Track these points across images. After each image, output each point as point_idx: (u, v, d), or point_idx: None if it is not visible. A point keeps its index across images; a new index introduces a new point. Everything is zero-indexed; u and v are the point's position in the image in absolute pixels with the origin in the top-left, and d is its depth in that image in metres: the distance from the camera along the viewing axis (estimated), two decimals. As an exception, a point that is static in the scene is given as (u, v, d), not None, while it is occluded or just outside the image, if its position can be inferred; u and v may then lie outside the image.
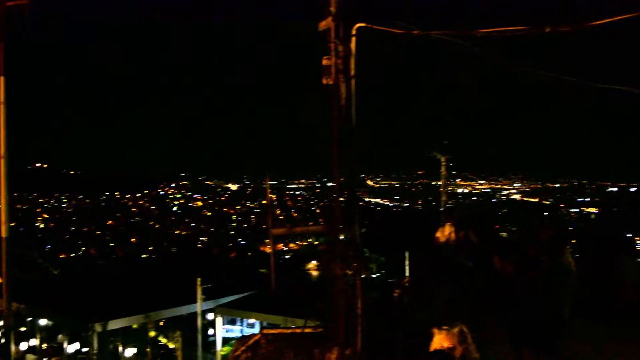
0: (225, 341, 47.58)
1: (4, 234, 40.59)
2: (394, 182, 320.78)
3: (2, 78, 39.60)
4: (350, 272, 12.28)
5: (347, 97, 11.22)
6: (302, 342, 17.85)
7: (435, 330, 12.84)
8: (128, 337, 45.97)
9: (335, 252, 12.28)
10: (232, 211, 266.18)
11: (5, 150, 39.64)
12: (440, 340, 12.68)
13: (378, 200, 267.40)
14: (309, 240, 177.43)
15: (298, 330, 19.59)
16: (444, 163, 29.54)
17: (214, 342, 47.91)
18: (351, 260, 12.08)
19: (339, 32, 11.08)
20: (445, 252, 16.56)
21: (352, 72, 11.25)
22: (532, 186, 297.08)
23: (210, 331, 49.28)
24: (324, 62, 11.15)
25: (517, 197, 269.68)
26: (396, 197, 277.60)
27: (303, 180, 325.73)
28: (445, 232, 16.79)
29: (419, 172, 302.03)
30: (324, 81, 11.21)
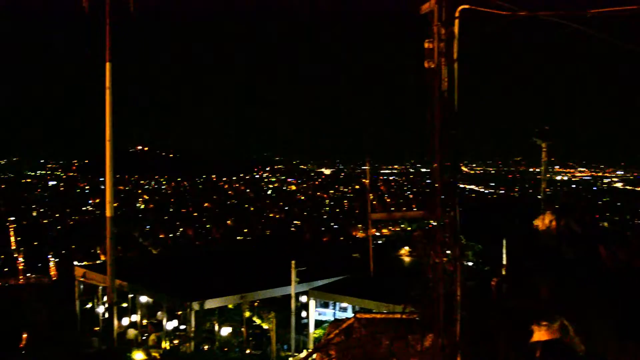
0: (318, 324, 47.98)
1: (108, 214, 42.23)
2: (490, 169, 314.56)
3: (108, 64, 40.98)
4: (445, 259, 12.09)
5: (449, 80, 10.98)
6: (396, 327, 17.77)
7: (535, 327, 12.50)
8: (224, 316, 46.99)
9: (433, 238, 12.08)
10: (325, 195, 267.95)
11: (111, 134, 41.10)
12: (540, 337, 12.34)
13: (473, 186, 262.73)
14: (401, 225, 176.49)
15: (392, 316, 19.52)
16: (544, 149, 28.54)
17: (306, 325, 48.39)
18: (450, 246, 11.87)
19: (441, 14, 10.84)
20: (546, 241, 16.07)
21: (455, 56, 10.99)
22: (635, 174, 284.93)
23: (303, 314, 49.80)
24: (426, 45, 10.93)
25: (619, 185, 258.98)
26: (492, 184, 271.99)
27: (396, 166, 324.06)
28: (545, 221, 16.28)
29: (516, 159, 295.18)
30: (426, 64, 11.00)
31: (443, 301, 11.92)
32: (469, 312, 12.36)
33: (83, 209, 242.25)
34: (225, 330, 45.57)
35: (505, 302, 15.00)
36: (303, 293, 48.63)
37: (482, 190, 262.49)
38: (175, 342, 45.45)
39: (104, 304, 50.09)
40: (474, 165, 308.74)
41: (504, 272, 18.57)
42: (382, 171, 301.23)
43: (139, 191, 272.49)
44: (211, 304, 44.51)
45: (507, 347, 12.66)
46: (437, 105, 11.03)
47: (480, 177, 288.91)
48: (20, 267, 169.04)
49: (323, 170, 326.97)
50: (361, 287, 45.23)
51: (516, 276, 16.50)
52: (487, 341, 12.81)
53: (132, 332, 48.14)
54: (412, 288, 14.72)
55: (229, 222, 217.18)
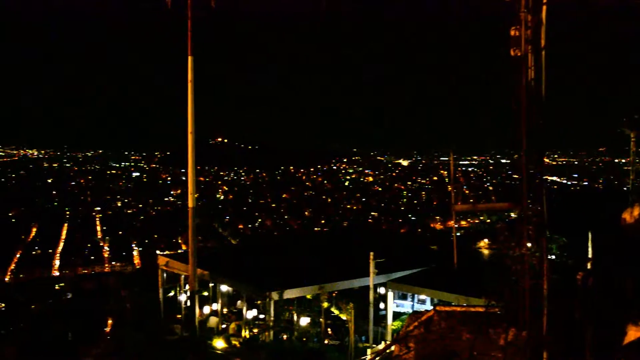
0: (396, 316, 47.80)
1: (190, 205, 43.05)
2: (573, 160, 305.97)
3: (190, 58, 41.69)
4: (527, 252, 11.80)
5: (536, 69, 10.67)
6: (476, 320, 17.49)
7: (631, 327, 12.02)
8: (302, 306, 47.38)
9: (517, 230, 11.81)
10: (402, 187, 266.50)
11: (193, 126, 41.85)
12: (635, 337, 11.85)
13: (555, 178, 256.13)
14: (480, 217, 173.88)
15: (472, 309, 19.23)
16: (633, 139, 27.49)
17: (384, 316, 48.28)
18: (533, 239, 11.58)
19: (528, 1, 10.54)
20: (635, 235, 15.49)
21: (543, 43, 10.68)
22: None
23: (381, 305, 49.67)
24: (512, 32, 10.65)
25: None
26: (575, 175, 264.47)
27: (475, 157, 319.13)
28: (634, 213, 15.67)
29: (600, 149, 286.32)
30: (512, 53, 10.72)
31: (528, 295, 11.65)
32: (552, 306, 12.06)
33: (165, 199, 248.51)
34: (304, 321, 45.92)
35: (592, 298, 14.55)
36: (381, 284, 48.50)
37: (565, 181, 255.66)
38: (255, 331, 46.07)
39: (185, 292, 51.18)
40: (556, 156, 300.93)
41: (589, 267, 18.03)
42: (460, 162, 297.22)
43: (219, 182, 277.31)
44: (290, 294, 44.90)
45: (595, 344, 12.26)
46: (523, 94, 10.74)
47: (563, 168, 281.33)
48: (106, 256, 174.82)
49: (401, 161, 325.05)
50: (440, 280, 44.80)
51: (603, 271, 16.01)
52: (574, 339, 12.44)
53: (213, 320, 49.05)
54: (493, 281, 14.46)
55: (306, 213, 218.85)
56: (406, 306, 50.26)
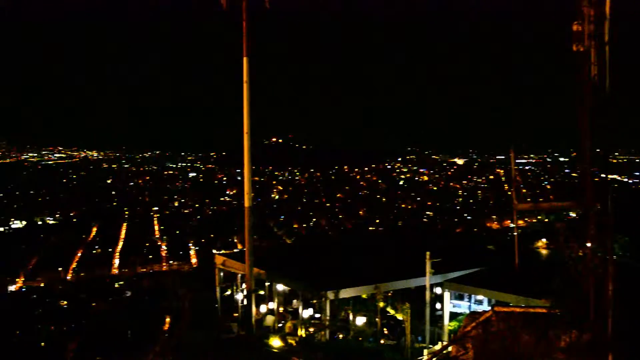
0: (453, 316, 47.32)
1: (247, 204, 43.37)
2: (634, 157, 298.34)
3: (245, 58, 42.03)
4: (590, 252, 11.53)
5: (599, 65, 10.39)
6: (536, 322, 17.20)
7: None
8: (358, 306, 47.28)
9: (580, 230, 11.55)
10: (458, 186, 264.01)
11: (249, 127, 42.18)
12: None
13: (615, 176, 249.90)
14: (538, 217, 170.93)
15: (532, 310, 18.91)
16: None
17: (441, 317, 47.85)
18: (599, 239, 11.30)
19: (592, -5, 10.28)
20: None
21: (606, 38, 10.39)
22: None
23: (438, 305, 49.25)
24: (574, 27, 10.40)
25: None
26: (636, 173, 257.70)
27: (532, 155, 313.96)
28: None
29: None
30: (574, 48, 10.47)
31: (592, 297, 11.38)
32: (619, 307, 11.76)
33: (221, 199, 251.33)
34: (360, 320, 45.84)
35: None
36: (437, 284, 48.08)
37: (626, 180, 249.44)
38: (311, 330, 46.14)
39: (242, 291, 51.62)
40: (616, 153, 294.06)
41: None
42: (517, 161, 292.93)
43: (274, 182, 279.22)
44: (346, 293, 44.87)
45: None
46: (587, 89, 10.48)
47: (624, 166, 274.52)
48: (164, 255, 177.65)
49: (456, 160, 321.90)
50: (498, 280, 44.16)
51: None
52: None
53: (269, 319, 49.35)
54: (554, 282, 14.20)
55: (361, 212, 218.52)
56: (463, 307, 49.72)
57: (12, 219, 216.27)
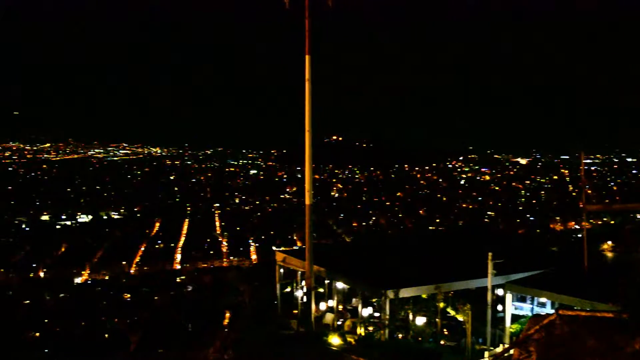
0: (515, 318, 46.59)
1: (307, 202, 43.60)
2: None
3: (308, 57, 42.25)
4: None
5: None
6: (602, 326, 16.81)
7: None
8: (418, 305, 46.96)
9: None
10: (520, 186, 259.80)
11: (310, 125, 42.38)
12: None
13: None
14: (604, 219, 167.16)
15: (598, 314, 18.49)
16: None
17: (502, 319, 47.16)
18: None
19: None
20: None
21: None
22: None
23: (499, 307, 48.55)
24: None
25: None
26: None
27: (599, 155, 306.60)
28: None
29: None
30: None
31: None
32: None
33: (281, 196, 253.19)
34: (420, 320, 45.50)
35: None
36: (499, 286, 47.37)
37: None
38: (370, 328, 46.06)
39: (302, 288, 51.82)
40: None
41: None
42: (583, 161, 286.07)
43: (334, 180, 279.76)
44: (406, 292, 44.60)
45: None
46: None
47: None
48: (224, 250, 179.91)
49: (519, 159, 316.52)
50: (562, 282, 43.28)
51: None
52: None
53: (329, 317, 49.40)
54: (620, 285, 13.89)
55: (421, 211, 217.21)
56: (525, 309, 48.88)
57: (79, 213, 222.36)
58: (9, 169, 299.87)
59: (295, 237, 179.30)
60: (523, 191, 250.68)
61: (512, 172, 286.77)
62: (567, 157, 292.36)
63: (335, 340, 44.27)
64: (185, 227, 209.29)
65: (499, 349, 41.77)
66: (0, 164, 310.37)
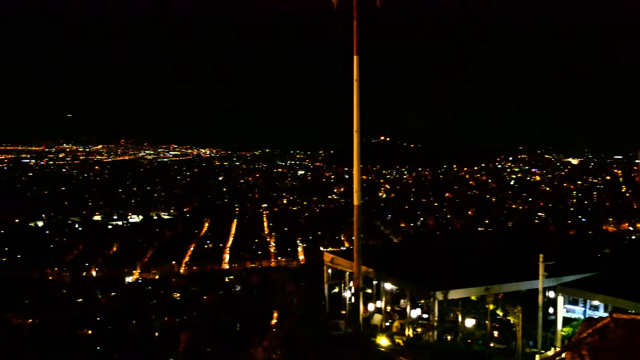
0: (566, 321, 45.78)
1: (356, 202, 43.57)
2: None
3: (356, 57, 42.24)
4: None
5: None
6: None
7: None
8: (467, 307, 46.47)
9: None
10: (572, 187, 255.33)
11: (358, 125, 42.35)
12: None
13: None
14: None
15: (655, 318, 18.06)
16: None
17: (553, 321, 46.39)
18: None
19: None
20: None
21: None
22: None
23: (550, 310, 47.78)
24: None
25: None
26: None
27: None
28: None
29: None
30: None
31: None
32: None
33: (328, 197, 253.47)
34: (469, 322, 45.05)
35: None
36: (550, 288, 46.62)
37: None
38: (419, 330, 45.80)
39: (350, 289, 51.75)
40: None
41: None
42: (637, 161, 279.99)
43: (381, 181, 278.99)
44: (455, 294, 44.19)
45: None
46: None
47: None
48: (272, 251, 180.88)
49: (570, 159, 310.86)
50: (616, 285, 42.39)
51: None
52: None
53: (377, 318, 49.23)
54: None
55: (469, 212, 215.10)
56: (577, 312, 47.98)
57: (130, 214, 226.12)
58: (63, 170, 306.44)
59: (342, 238, 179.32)
60: (574, 192, 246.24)
61: (563, 173, 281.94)
62: (621, 157, 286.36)
63: (383, 341, 44.15)
64: (234, 227, 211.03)
65: (551, 352, 41.12)
66: (55, 165, 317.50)
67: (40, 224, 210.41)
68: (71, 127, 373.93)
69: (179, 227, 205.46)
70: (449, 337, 45.28)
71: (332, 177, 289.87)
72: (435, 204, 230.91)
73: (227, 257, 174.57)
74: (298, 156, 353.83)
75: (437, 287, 43.32)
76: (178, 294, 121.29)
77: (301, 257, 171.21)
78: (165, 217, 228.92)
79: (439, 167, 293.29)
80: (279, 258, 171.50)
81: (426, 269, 50.41)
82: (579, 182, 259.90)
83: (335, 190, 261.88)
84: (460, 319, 45.64)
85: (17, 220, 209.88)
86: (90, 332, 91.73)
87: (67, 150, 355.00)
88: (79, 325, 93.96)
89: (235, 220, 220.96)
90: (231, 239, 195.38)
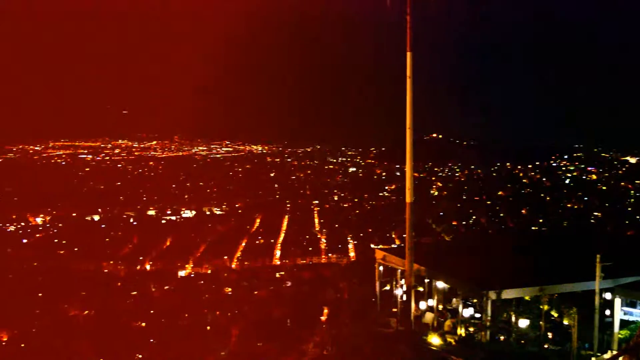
0: (624, 324, 44.83)
1: (408, 200, 43.40)
2: None
3: (409, 54, 41.98)
4: None
5: None
6: None
7: None
8: (521, 307, 45.82)
9: None
10: (630, 186, 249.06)
11: (411, 122, 42.11)
12: None
13: None
14: None
15: None
16: None
17: (610, 324, 45.42)
18: None
19: None
20: None
21: None
22: None
23: (607, 312, 46.75)
24: None
25: None
26: None
27: None
28: None
29: None
30: None
31: None
32: None
33: (379, 194, 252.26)
34: (523, 322, 44.44)
35: None
36: (607, 290, 45.65)
37: None
38: (471, 329, 45.39)
39: (401, 286, 51.56)
40: None
41: None
42: None
43: (433, 178, 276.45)
44: (508, 294, 43.68)
45: None
46: None
47: None
48: (323, 247, 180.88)
49: (628, 158, 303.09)
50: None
51: None
52: None
53: (428, 316, 48.98)
54: None
55: (523, 211, 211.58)
56: (635, 314, 46.86)
57: (183, 209, 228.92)
58: (118, 165, 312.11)
59: (393, 235, 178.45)
60: (632, 191, 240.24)
61: (620, 172, 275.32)
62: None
63: (435, 340, 43.92)
64: (285, 223, 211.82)
65: (607, 356, 40.35)
66: (111, 160, 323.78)
67: (96, 217, 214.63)
68: (127, 124, 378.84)
69: (231, 223, 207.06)
70: (501, 338, 44.77)
71: (384, 174, 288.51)
72: (488, 203, 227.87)
73: (278, 253, 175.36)
74: (349, 153, 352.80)
75: (490, 287, 42.92)
76: (229, 289, 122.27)
77: (351, 254, 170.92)
78: (217, 212, 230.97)
79: (492, 165, 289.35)
80: (330, 255, 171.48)
81: (479, 268, 49.96)
82: (637, 182, 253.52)
83: (386, 188, 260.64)
84: (513, 319, 45.09)
85: (74, 214, 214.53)
86: (143, 324, 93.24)
87: (123, 146, 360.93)
88: (133, 317, 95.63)
89: (286, 216, 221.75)
90: (282, 235, 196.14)
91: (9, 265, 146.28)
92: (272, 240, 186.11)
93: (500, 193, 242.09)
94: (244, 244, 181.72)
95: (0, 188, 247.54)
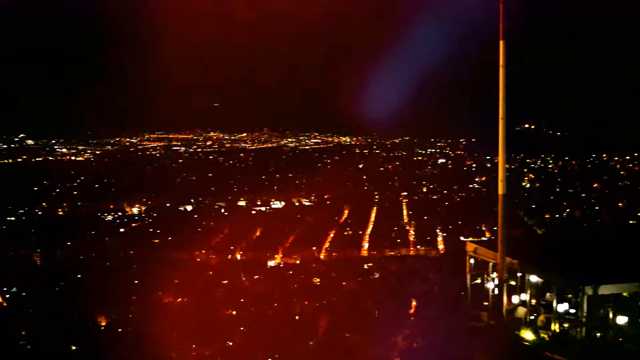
0: None
1: (501, 192, 42.49)
2: None
3: (502, 42, 40.97)
4: None
5: None
6: None
7: None
8: (619, 304, 44.20)
9: None
10: None
11: (504, 112, 41.14)
12: None
13: None
14: None
15: None
16: None
17: None
18: None
19: None
20: None
21: None
22: None
23: None
24: None
25: None
26: None
27: None
28: None
29: None
30: None
31: None
32: None
33: (469, 186, 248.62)
34: (621, 319, 42.83)
35: None
36: None
37: None
38: (565, 325, 44.09)
39: (493, 280, 50.62)
40: None
41: None
42: None
43: (525, 170, 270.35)
44: (605, 289, 42.17)
45: None
46: None
47: None
48: (411, 239, 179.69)
49: None
50: None
51: None
52: None
53: (521, 311, 47.86)
54: None
55: (620, 204, 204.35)
56: None
57: (273, 200, 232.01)
58: (210, 157, 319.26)
59: (484, 228, 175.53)
60: None
61: None
62: None
63: (528, 335, 42.93)
64: (373, 215, 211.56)
65: None
66: (203, 152, 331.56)
67: (189, 208, 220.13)
68: (218, 117, 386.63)
69: (320, 214, 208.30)
70: (598, 335, 43.33)
71: (473, 165, 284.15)
72: (583, 195, 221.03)
73: (366, 244, 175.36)
74: (439, 144, 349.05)
75: (587, 282, 41.53)
76: (318, 279, 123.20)
77: (440, 246, 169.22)
78: (306, 203, 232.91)
79: (587, 156, 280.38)
80: (418, 247, 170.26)
81: (574, 262, 48.45)
82: None
83: (476, 179, 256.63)
84: (611, 315, 43.54)
85: (168, 205, 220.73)
86: (234, 312, 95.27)
87: (214, 138, 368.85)
88: (224, 305, 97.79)
89: (374, 207, 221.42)
90: (370, 226, 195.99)
91: (107, 254, 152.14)
92: (360, 232, 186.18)
93: (595, 185, 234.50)
94: (332, 235, 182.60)
95: (99, 179, 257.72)
